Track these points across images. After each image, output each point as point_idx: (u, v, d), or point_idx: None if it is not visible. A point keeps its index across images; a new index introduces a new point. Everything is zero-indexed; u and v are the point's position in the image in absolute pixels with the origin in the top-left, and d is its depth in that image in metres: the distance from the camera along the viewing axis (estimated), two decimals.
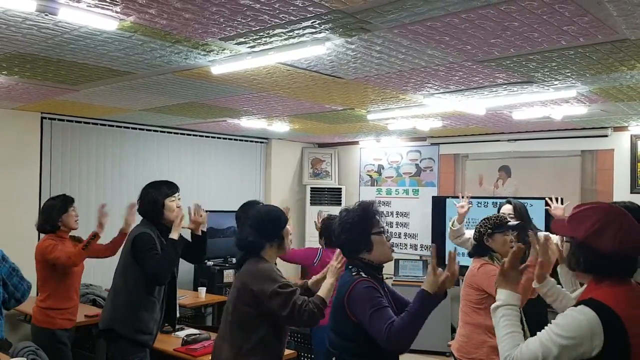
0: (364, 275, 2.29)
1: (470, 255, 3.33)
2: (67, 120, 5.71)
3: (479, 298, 3.15)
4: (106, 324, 3.18)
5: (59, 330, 3.67)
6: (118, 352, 3.15)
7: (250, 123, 5.91)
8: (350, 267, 2.38)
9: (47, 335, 3.62)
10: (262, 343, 2.49)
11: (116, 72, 3.59)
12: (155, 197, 3.22)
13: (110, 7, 2.37)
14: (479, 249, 3.24)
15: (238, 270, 2.62)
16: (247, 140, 7.50)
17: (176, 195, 3.30)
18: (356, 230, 2.35)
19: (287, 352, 3.55)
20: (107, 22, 2.51)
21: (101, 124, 5.98)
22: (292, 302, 2.43)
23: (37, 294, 3.76)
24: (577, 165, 5.95)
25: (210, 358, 2.68)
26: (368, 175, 7.72)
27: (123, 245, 3.34)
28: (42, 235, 3.85)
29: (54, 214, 3.75)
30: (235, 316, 2.52)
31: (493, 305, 1.78)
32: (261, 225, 2.57)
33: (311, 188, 7.75)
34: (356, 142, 7.76)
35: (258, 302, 2.45)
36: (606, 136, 5.75)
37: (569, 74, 3.42)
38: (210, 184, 7.02)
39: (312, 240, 7.48)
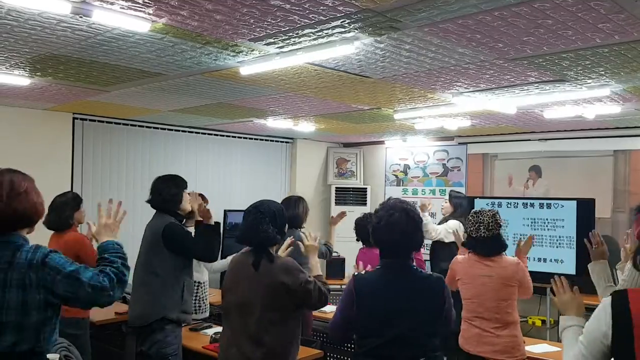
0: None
1: (487, 253, 3.28)
2: (99, 121, 5.83)
3: (515, 295, 3.24)
4: (154, 315, 3.24)
5: (86, 318, 3.81)
6: (157, 344, 3.23)
7: (276, 123, 5.94)
8: (412, 267, 2.39)
9: (77, 325, 3.70)
10: (295, 334, 2.61)
11: (147, 73, 3.64)
12: (176, 190, 3.42)
13: (143, 9, 2.40)
14: (502, 244, 3.29)
15: (256, 267, 2.62)
16: (272, 140, 7.53)
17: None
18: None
19: (313, 352, 3.56)
20: (139, 24, 2.54)
21: (131, 125, 6.08)
22: (318, 288, 2.61)
23: None
24: (610, 165, 5.82)
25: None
26: (394, 175, 7.67)
27: (145, 239, 3.39)
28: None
29: (67, 211, 3.82)
30: (265, 314, 2.54)
31: (565, 325, 1.87)
32: (279, 220, 2.68)
33: (336, 188, 7.74)
34: (382, 142, 7.72)
35: (291, 294, 2.54)
36: None
37: (602, 73, 3.34)
38: (236, 184, 7.08)
39: (337, 240, 7.46)
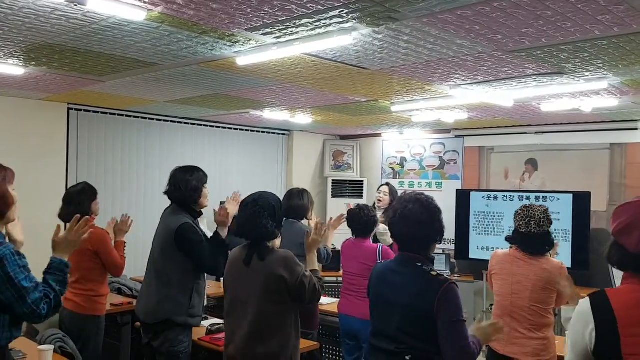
0: (447, 276, 2.24)
1: (533, 251, 3.12)
2: (93, 111, 5.79)
3: (553, 299, 3.10)
4: (159, 316, 3.18)
5: (102, 315, 3.81)
6: (168, 342, 3.18)
7: (272, 115, 5.91)
8: (420, 264, 2.25)
9: (95, 322, 3.73)
10: (295, 327, 2.60)
11: (143, 63, 3.61)
12: (196, 184, 3.27)
13: None
14: (550, 242, 3.13)
15: (252, 262, 2.60)
16: (269, 132, 7.51)
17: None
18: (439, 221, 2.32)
19: (310, 343, 3.57)
20: (135, 13, 2.51)
21: (127, 115, 6.04)
22: (314, 283, 2.59)
23: (75, 282, 3.73)
24: (606, 158, 5.83)
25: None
26: (390, 167, 7.67)
27: (158, 235, 3.31)
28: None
29: (86, 202, 3.75)
30: (263, 308, 2.53)
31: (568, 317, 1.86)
32: (277, 214, 2.65)
33: (333, 180, 7.74)
34: (379, 135, 7.71)
35: (289, 288, 2.52)
36: (636, 129, 5.60)
37: (600, 65, 3.34)
38: (232, 176, 7.06)
39: (335, 233, 7.47)
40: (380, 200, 5.23)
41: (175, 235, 3.15)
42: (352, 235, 4.21)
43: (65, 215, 3.73)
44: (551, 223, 3.10)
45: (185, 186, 3.24)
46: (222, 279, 5.51)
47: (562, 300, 2.99)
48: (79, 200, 3.75)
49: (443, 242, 6.98)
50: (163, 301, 3.19)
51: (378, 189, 5.37)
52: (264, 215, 2.57)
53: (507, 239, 3.28)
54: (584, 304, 1.62)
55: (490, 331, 2.31)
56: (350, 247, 4.21)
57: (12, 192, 2.10)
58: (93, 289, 3.75)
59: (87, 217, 2.24)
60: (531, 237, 3.08)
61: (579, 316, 1.62)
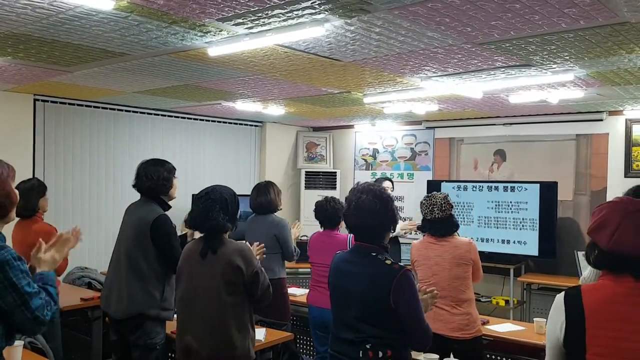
0: (401, 264, 2.28)
1: (442, 233, 3.39)
2: (61, 102, 5.65)
3: (469, 273, 3.35)
4: (132, 310, 3.15)
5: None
6: (145, 335, 3.16)
7: (245, 106, 5.87)
8: (374, 254, 2.30)
9: None
10: (249, 319, 2.66)
11: (111, 53, 3.54)
12: (167, 175, 3.31)
13: None
14: (453, 226, 3.40)
15: (207, 254, 2.63)
16: (241, 124, 7.46)
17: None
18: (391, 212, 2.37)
19: (284, 334, 3.59)
20: (103, 2, 2.46)
21: (95, 106, 5.92)
22: (268, 283, 2.66)
23: None
24: (572, 149, 5.97)
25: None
26: (363, 159, 7.71)
27: (131, 227, 3.26)
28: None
29: (32, 198, 3.73)
30: (217, 299, 2.56)
31: None
32: (231, 207, 2.68)
33: (306, 172, 7.74)
34: (351, 126, 7.74)
35: (244, 280, 2.56)
36: (601, 120, 5.76)
37: (567, 57, 3.41)
38: (204, 168, 7.00)
39: (307, 224, 7.50)
40: None
41: (151, 226, 3.14)
42: (321, 227, 4.24)
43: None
44: (452, 207, 3.40)
45: (157, 176, 3.25)
46: None
47: (477, 273, 3.40)
48: (26, 196, 3.68)
49: (415, 232, 7.08)
50: (136, 294, 3.15)
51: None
52: (216, 208, 2.61)
53: (419, 228, 3.64)
54: (559, 297, 1.68)
55: (430, 301, 2.51)
56: (319, 239, 4.24)
57: (15, 190, 2.06)
58: None
59: (70, 235, 2.20)
60: (437, 221, 3.39)
61: (554, 309, 1.68)
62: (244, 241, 3.00)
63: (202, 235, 2.73)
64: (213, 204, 2.62)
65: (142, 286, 3.16)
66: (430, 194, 3.50)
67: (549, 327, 1.70)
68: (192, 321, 2.63)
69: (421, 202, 3.50)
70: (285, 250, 4.24)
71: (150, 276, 3.17)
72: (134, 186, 3.33)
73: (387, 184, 5.48)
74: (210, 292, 2.58)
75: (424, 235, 3.54)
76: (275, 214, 4.36)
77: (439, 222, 3.38)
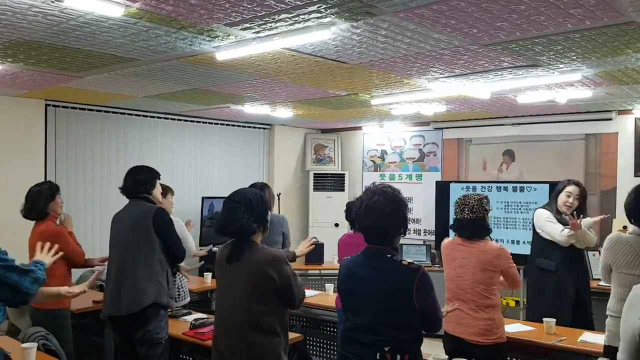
0: (417, 262, 2.33)
1: (469, 235, 3.26)
2: (71, 108, 5.73)
3: (496, 280, 3.26)
4: (146, 299, 3.25)
5: (64, 309, 3.77)
6: (151, 330, 3.27)
7: (253, 109, 5.91)
8: (389, 255, 2.31)
9: (54, 316, 3.67)
10: (282, 326, 2.55)
11: (121, 58, 3.59)
12: (150, 176, 3.53)
13: None
14: (482, 229, 3.27)
15: (235, 259, 2.55)
16: (250, 127, 7.50)
17: None
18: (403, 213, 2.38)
19: (293, 335, 3.60)
20: (113, 9, 2.51)
21: (105, 111, 5.99)
22: (303, 293, 2.61)
23: None
24: (581, 149, 5.95)
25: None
26: (371, 160, 7.72)
27: (129, 225, 3.38)
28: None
29: (41, 201, 3.82)
30: (249, 307, 2.48)
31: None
32: (256, 208, 2.59)
33: (314, 174, 7.76)
34: (359, 128, 7.75)
35: (276, 288, 2.46)
36: (610, 119, 5.73)
37: (574, 57, 3.41)
38: (213, 171, 7.04)
39: (316, 226, 7.52)
40: (570, 206, 4.14)
41: (153, 218, 3.31)
42: (351, 228, 4.20)
43: (23, 211, 3.86)
44: (486, 211, 3.25)
45: (139, 176, 3.50)
46: (205, 274, 5.57)
47: (510, 281, 3.30)
48: (34, 199, 3.83)
49: (424, 234, 7.08)
50: (149, 286, 3.26)
51: (567, 193, 4.18)
52: (240, 209, 2.54)
53: (450, 227, 3.47)
54: (637, 291, 1.59)
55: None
56: (347, 241, 4.21)
57: None
58: (53, 283, 3.73)
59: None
60: (465, 222, 3.25)
61: (631, 302, 1.59)
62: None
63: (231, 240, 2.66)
64: (237, 206, 2.55)
65: (151, 277, 3.28)
66: (467, 194, 3.34)
67: (627, 321, 1.60)
68: (223, 328, 2.59)
69: (455, 201, 3.38)
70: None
71: (157, 266, 3.31)
72: (120, 188, 3.53)
73: (574, 190, 4.16)
74: (239, 300, 2.51)
75: (454, 235, 3.41)
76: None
77: (467, 224, 3.24)
